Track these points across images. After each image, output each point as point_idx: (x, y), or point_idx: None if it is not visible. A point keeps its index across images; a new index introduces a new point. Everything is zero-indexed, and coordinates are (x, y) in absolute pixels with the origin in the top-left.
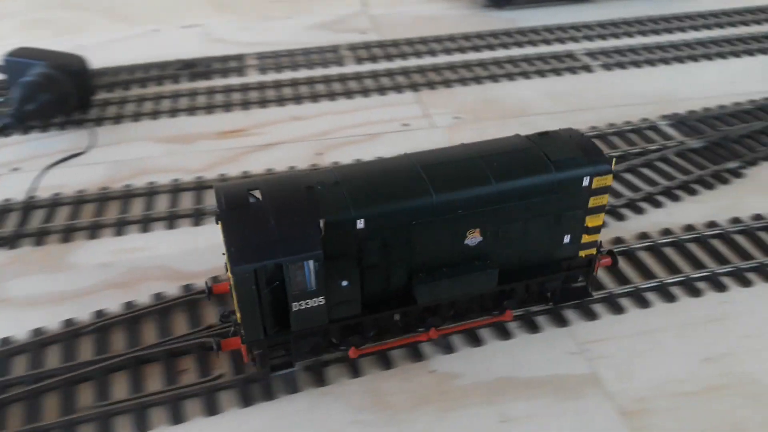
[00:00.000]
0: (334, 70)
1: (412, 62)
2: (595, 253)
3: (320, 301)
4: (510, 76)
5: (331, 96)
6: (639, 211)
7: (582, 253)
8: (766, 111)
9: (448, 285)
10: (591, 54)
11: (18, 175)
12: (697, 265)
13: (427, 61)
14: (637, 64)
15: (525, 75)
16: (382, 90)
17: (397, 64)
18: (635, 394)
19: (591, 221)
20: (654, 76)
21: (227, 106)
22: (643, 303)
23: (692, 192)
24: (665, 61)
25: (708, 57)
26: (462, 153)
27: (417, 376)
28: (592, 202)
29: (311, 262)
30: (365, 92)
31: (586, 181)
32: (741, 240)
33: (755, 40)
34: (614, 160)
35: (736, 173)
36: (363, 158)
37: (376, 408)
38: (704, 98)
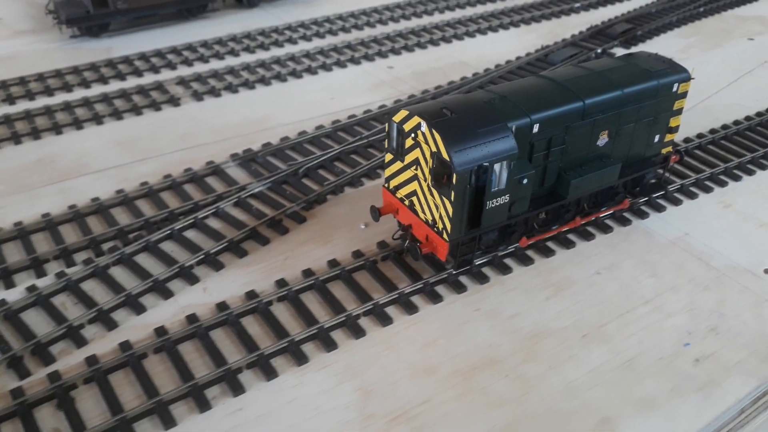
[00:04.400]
0: None
1: None
2: (671, 150)
3: (506, 198)
4: (78, 124)
5: None
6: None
7: (663, 151)
8: (364, 126)
9: (589, 180)
10: (184, 82)
11: None
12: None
13: None
14: (232, 88)
15: (97, 120)
16: None
17: None
18: None
19: (674, 122)
20: (251, 100)
21: None
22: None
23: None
24: (265, 82)
25: (311, 71)
26: (584, 70)
27: None
28: (677, 105)
29: (507, 162)
30: None
31: (675, 87)
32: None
33: (363, 45)
34: (693, 69)
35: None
36: None
37: None
38: (300, 122)
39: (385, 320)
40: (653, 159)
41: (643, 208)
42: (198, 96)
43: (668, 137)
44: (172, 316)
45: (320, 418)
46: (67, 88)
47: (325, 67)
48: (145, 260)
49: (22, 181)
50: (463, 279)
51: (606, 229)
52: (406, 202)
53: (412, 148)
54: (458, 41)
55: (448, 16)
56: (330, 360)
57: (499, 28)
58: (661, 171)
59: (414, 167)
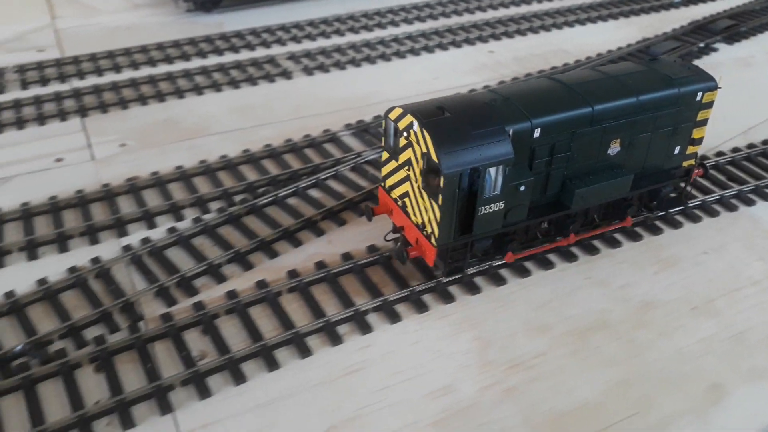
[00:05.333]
0: None
1: (90, 81)
2: (693, 163)
3: (501, 205)
4: (198, 90)
5: None
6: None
7: (685, 164)
8: None
9: (596, 191)
10: (294, 57)
11: None
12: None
13: (107, 79)
14: (340, 65)
15: (216, 87)
16: (42, 119)
17: (71, 85)
18: None
19: (697, 133)
20: (357, 77)
21: None
22: (273, 365)
23: None
24: (371, 60)
25: (415, 52)
26: (599, 74)
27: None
28: (701, 115)
29: (502, 167)
30: (20, 124)
31: (699, 96)
32: None
33: (464, 30)
34: (721, 76)
35: None
36: None
37: None
38: (407, 98)
39: (499, 281)
40: (673, 172)
41: (750, 195)
42: (308, 71)
43: (690, 149)
44: (302, 262)
45: (442, 360)
46: (186, 57)
47: (428, 49)
48: (274, 212)
49: (151, 138)
50: (573, 250)
51: (713, 213)
52: (399, 203)
53: (405, 148)
54: (557, 30)
55: (546, 6)
56: (448, 311)
57: (597, 19)
58: (682, 185)
59: (407, 167)
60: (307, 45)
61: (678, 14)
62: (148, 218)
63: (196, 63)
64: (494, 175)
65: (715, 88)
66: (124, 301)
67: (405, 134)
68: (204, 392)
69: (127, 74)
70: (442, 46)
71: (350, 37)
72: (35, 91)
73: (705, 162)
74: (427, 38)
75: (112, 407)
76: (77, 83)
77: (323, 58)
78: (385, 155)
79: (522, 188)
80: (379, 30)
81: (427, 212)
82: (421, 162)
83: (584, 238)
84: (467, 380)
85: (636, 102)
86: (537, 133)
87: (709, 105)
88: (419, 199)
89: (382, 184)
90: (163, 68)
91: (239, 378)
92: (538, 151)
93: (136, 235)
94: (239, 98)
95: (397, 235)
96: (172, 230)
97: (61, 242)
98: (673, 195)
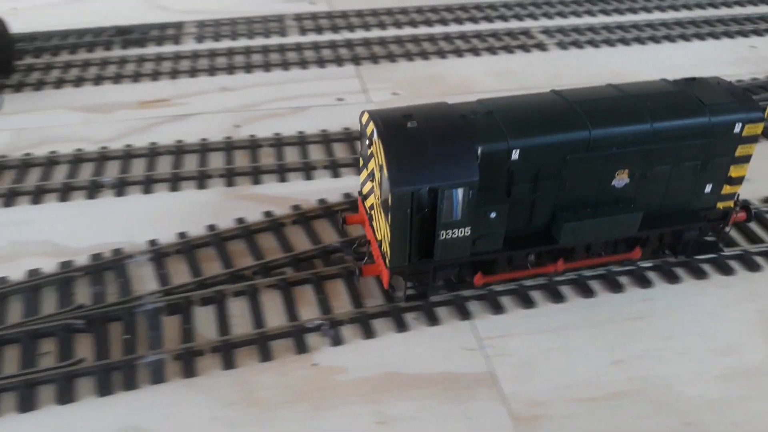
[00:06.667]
0: (274, 41)
1: (359, 35)
2: (732, 205)
3: (467, 231)
4: (458, 52)
5: (267, 67)
6: None
7: (720, 205)
8: None
9: (592, 226)
10: (547, 32)
11: None
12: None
13: (375, 34)
14: (594, 43)
15: (474, 51)
16: (321, 62)
17: (343, 36)
18: (533, 397)
19: (735, 171)
20: (612, 57)
21: (155, 75)
22: (558, 297)
23: None
24: (625, 42)
25: (671, 39)
26: (612, 92)
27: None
28: (740, 150)
29: (465, 190)
30: (303, 64)
31: (737, 128)
32: None
33: (721, 23)
34: None
35: None
36: (283, 133)
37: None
38: None
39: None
40: (703, 213)
41: None
42: (563, 45)
43: (727, 189)
44: None
45: (724, 323)
46: (444, 22)
47: (684, 37)
48: None
49: (419, 89)
50: None
51: (753, 267)
52: (368, 215)
53: (371, 157)
54: None
55: None
56: (726, 282)
57: None
58: (721, 228)
59: (371, 178)
60: (559, 21)
61: None
62: None
63: (453, 28)
64: (456, 198)
65: (761, 120)
66: None
67: (368, 142)
68: (497, 308)
69: (392, 32)
70: (700, 36)
71: (602, 18)
72: (312, 37)
73: (750, 205)
74: (682, 26)
75: (419, 306)
76: (348, 35)
77: (576, 35)
78: (361, 161)
79: (492, 215)
80: (630, 14)
81: (383, 230)
82: (378, 175)
83: (576, 267)
84: (751, 346)
85: (650, 129)
86: (515, 155)
87: (753, 139)
88: (379, 215)
89: (360, 191)
90: (423, 30)
91: (528, 302)
92: (518, 176)
93: None
94: (497, 63)
95: (364, 248)
96: None
97: (355, 168)
98: (709, 239)
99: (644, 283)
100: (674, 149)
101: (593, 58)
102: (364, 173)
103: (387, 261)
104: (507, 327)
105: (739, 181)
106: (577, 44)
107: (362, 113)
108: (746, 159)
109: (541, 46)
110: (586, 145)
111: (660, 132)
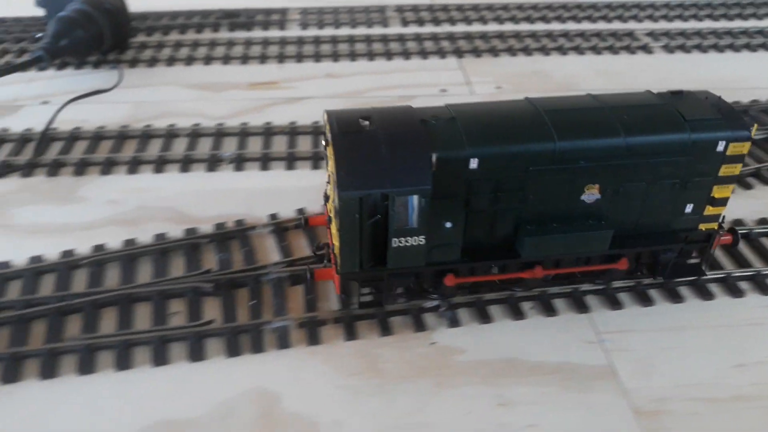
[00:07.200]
0: (377, 31)
1: (460, 28)
2: (716, 228)
3: (421, 240)
4: (561, 50)
5: (370, 56)
6: None
7: (702, 226)
8: None
9: (556, 241)
10: (652, 34)
11: (46, 108)
12: (742, 263)
13: (476, 28)
14: (702, 48)
15: (578, 50)
16: (424, 53)
17: (444, 29)
18: (654, 393)
19: (718, 192)
20: (720, 63)
21: (263, 59)
22: (676, 297)
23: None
24: (735, 48)
25: None
26: (588, 102)
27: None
28: (724, 170)
29: (418, 197)
30: (406, 54)
31: (721, 146)
32: None
33: None
34: (755, 126)
35: None
36: None
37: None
38: None
39: None
40: (684, 235)
41: None
42: (669, 49)
43: (710, 210)
44: None
45: None
46: (545, 19)
47: None
48: None
49: (523, 84)
50: None
51: (735, 291)
52: (328, 217)
53: (328, 159)
54: None
55: None
56: None
57: None
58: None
59: (328, 181)
60: (664, 25)
61: None
62: None
63: (555, 26)
64: (409, 206)
65: (747, 139)
66: None
67: (324, 143)
68: (615, 304)
69: (493, 27)
70: None
71: (709, 23)
72: (414, 29)
73: (737, 228)
74: None
75: (537, 296)
76: (449, 28)
77: (683, 39)
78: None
79: (448, 225)
80: (740, 20)
81: (334, 234)
82: (330, 177)
83: (556, 273)
84: None
85: (622, 143)
86: (474, 164)
87: (737, 159)
88: (334, 219)
89: (325, 192)
90: (523, 26)
91: (646, 300)
92: (477, 186)
93: None
94: (602, 63)
95: (323, 251)
96: None
97: None
98: (692, 261)
99: (765, 289)
100: (650, 166)
101: (700, 62)
102: (327, 174)
103: (337, 266)
104: (626, 323)
105: (723, 202)
106: (683, 48)
107: (324, 112)
108: (731, 179)
109: (646, 49)
110: (551, 158)
111: (633, 147)
